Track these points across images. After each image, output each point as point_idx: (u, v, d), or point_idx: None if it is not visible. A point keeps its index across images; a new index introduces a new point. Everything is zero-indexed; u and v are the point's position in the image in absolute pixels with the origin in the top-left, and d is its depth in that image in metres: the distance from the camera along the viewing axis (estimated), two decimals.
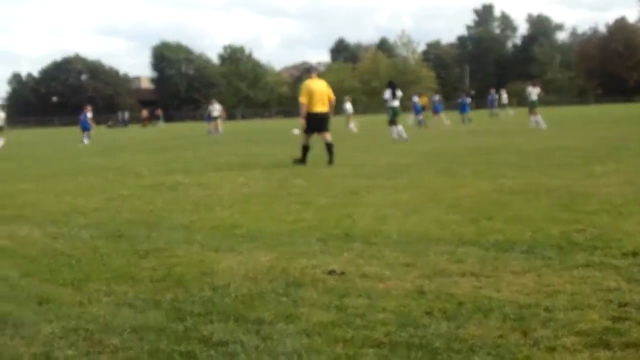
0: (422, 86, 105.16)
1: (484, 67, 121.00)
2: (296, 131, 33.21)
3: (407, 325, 4.08)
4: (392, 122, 25.37)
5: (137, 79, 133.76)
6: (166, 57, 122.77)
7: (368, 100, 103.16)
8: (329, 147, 16.07)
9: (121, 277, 5.56)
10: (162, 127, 73.34)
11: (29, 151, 29.03)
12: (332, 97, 16.65)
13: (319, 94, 16.24)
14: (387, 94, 25.42)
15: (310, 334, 4.02)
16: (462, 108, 44.33)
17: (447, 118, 44.18)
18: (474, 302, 4.50)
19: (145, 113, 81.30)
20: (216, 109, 44.47)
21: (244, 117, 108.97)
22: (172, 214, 9.07)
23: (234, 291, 5.02)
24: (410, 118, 45.46)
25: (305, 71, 18.48)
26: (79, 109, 44.23)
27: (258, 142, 28.75)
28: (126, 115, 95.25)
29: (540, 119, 30.03)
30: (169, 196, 11.04)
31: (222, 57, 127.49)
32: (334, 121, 18.56)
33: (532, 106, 31.03)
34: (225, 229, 7.71)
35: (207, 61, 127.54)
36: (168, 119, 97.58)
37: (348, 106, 42.86)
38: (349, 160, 16.84)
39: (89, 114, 37.48)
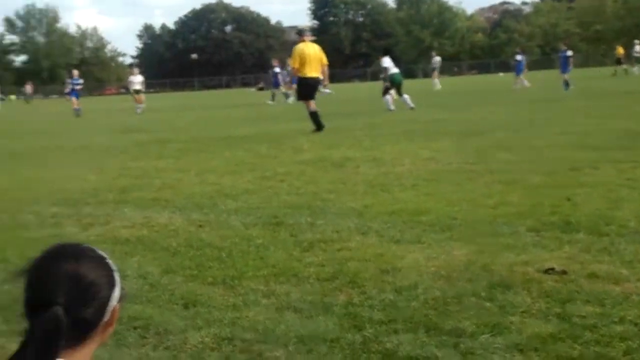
0: None
1: None
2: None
3: None
4: (387, 90, 27.35)
5: (294, 29, 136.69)
6: (330, 0, 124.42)
7: (590, 49, 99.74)
8: (314, 115, 18.90)
9: (282, 275, 5.74)
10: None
11: (165, 120, 30.45)
12: (325, 62, 19.65)
13: (310, 58, 19.00)
14: (387, 61, 27.92)
15: (524, 349, 3.99)
16: None
17: None
18: None
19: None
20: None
21: (426, 73, 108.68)
22: (341, 196, 9.24)
23: (423, 293, 5.05)
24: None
25: (297, 33, 21.20)
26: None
27: (445, 106, 28.58)
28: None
29: None
30: (335, 175, 11.24)
31: (399, 0, 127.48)
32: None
33: None
34: (407, 215, 7.75)
35: (381, 5, 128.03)
36: (329, 79, 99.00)
37: (436, 60, 50.53)
38: (568, 125, 16.40)
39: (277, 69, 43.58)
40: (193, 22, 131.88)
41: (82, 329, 1.86)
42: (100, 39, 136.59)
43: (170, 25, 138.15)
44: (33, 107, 63.07)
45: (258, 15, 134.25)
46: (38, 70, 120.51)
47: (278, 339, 4.38)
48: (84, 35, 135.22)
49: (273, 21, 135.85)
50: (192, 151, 16.22)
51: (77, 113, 37.37)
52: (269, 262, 6.14)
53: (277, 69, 43.84)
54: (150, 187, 11.06)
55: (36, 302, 1.83)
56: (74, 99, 39.23)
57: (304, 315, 4.77)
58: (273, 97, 42.60)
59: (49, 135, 24.58)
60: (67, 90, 40.85)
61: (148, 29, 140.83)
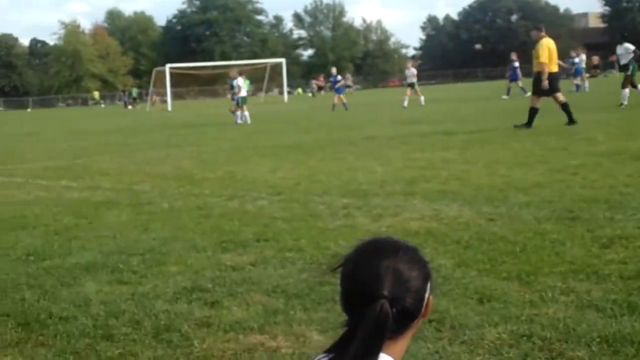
0: None
1: None
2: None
3: None
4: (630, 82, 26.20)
5: (584, 16, 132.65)
6: None
7: None
8: (565, 107, 19.02)
9: (580, 271, 5.57)
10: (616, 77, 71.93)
11: (448, 111, 30.54)
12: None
13: (555, 53, 19.55)
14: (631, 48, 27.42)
15: None
16: None
17: None
18: None
19: (596, 60, 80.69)
20: None
21: None
22: None
23: None
24: None
25: (536, 29, 21.00)
26: (507, 58, 46.41)
27: None
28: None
29: None
30: (635, 167, 10.77)
31: None
32: None
33: None
34: None
35: None
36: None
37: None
38: None
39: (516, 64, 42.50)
40: (477, 12, 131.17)
41: (403, 321, 1.90)
42: (384, 31, 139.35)
43: (454, 16, 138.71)
44: (318, 101, 65.37)
45: (546, 3, 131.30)
46: (324, 64, 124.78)
47: (580, 338, 4.24)
48: (368, 28, 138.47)
49: (562, 9, 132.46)
50: (478, 142, 16.15)
51: (332, 107, 38.71)
52: (566, 258, 5.97)
53: (516, 63, 43.01)
54: (437, 178, 11.12)
55: (359, 296, 1.88)
56: (337, 96, 40.68)
57: (607, 314, 4.60)
58: (508, 91, 41.79)
59: (332, 127, 25.36)
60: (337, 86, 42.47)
61: (432, 20, 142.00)
